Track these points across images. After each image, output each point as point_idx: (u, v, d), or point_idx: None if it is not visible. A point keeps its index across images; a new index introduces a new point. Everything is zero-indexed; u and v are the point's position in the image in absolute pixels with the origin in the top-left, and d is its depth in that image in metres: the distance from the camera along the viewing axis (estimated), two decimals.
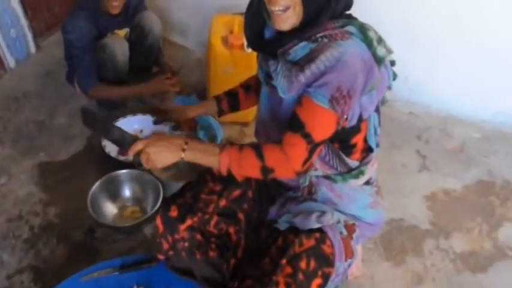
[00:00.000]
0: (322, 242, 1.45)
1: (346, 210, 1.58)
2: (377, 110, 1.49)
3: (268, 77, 1.45)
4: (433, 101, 2.87)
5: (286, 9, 1.30)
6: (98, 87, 2.60)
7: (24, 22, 3.15)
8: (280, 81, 1.37)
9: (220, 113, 1.82)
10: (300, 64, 1.32)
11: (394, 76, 1.49)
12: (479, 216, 2.36)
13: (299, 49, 1.34)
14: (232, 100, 1.81)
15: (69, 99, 2.88)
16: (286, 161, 1.35)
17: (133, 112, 2.68)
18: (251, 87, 1.80)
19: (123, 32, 2.68)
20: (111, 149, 2.47)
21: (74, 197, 2.30)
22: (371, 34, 1.32)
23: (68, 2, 3.43)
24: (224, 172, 1.41)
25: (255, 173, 1.40)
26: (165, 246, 1.65)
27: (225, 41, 2.59)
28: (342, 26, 1.32)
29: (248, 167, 1.39)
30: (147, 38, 2.69)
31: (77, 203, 2.22)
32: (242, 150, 1.38)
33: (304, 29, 1.33)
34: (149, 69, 2.91)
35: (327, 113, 1.29)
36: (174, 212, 1.59)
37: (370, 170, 1.58)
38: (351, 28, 1.31)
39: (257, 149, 1.37)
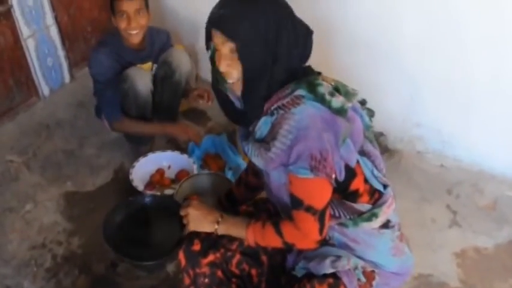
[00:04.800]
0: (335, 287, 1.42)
1: (365, 256, 1.52)
2: (363, 154, 1.45)
3: (245, 152, 1.49)
4: (465, 155, 2.82)
5: (238, 80, 1.36)
6: (122, 121, 2.59)
7: (61, 52, 3.21)
8: (255, 160, 1.41)
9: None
10: (266, 141, 1.36)
11: (371, 113, 1.50)
12: (511, 277, 2.28)
13: (262, 125, 1.38)
14: (229, 196, 1.89)
15: (99, 130, 2.89)
16: (304, 236, 1.41)
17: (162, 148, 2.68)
18: (240, 180, 1.87)
19: (147, 66, 2.68)
20: (138, 182, 2.46)
21: (98, 229, 2.26)
22: (321, 89, 1.33)
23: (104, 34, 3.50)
24: (252, 245, 1.51)
25: (279, 246, 1.48)
26: (187, 281, 1.63)
27: None
28: (292, 92, 1.33)
29: (271, 242, 1.48)
30: (175, 74, 2.67)
31: (101, 235, 2.20)
32: (264, 227, 1.47)
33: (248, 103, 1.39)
34: (176, 107, 2.90)
35: (315, 181, 1.32)
36: (197, 246, 1.59)
37: (386, 212, 1.51)
38: (299, 91, 1.32)
39: (276, 225, 1.45)
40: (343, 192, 1.44)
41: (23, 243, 2.26)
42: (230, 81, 1.38)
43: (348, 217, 1.47)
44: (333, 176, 1.34)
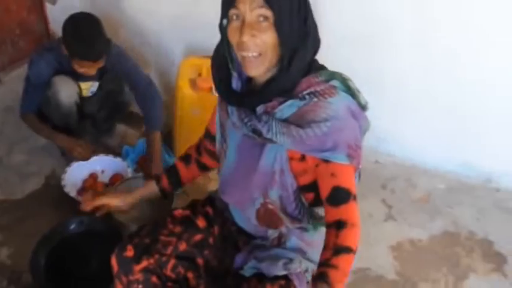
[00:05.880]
0: None
1: (315, 258, 1.50)
2: None
3: (254, 131, 1.36)
4: (399, 151, 2.89)
5: (259, 55, 1.26)
6: (29, 116, 2.52)
7: None
8: (280, 138, 1.31)
9: (163, 192, 1.74)
10: (293, 123, 1.29)
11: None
12: (445, 267, 2.34)
13: (285, 108, 1.30)
14: (172, 177, 1.74)
15: (28, 136, 2.78)
16: (358, 229, 1.29)
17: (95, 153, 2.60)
18: (190, 158, 1.75)
19: (86, 85, 2.60)
20: (70, 188, 2.39)
21: (29, 238, 2.15)
22: (352, 84, 1.32)
23: (33, 37, 3.39)
24: None
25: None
26: (119, 287, 1.58)
27: (193, 83, 2.56)
28: (327, 80, 1.30)
29: (350, 264, 1.27)
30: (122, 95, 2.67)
31: (31, 244, 2.09)
32: (338, 263, 1.23)
33: (280, 81, 1.29)
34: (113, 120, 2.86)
35: (351, 168, 1.28)
36: (129, 252, 1.53)
37: None
38: (334, 82, 1.30)
39: (345, 249, 1.24)
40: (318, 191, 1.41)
41: None
42: (248, 54, 1.26)
43: (310, 222, 1.46)
44: (359, 166, 1.34)
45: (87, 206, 1.75)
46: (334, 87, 1.29)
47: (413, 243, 2.45)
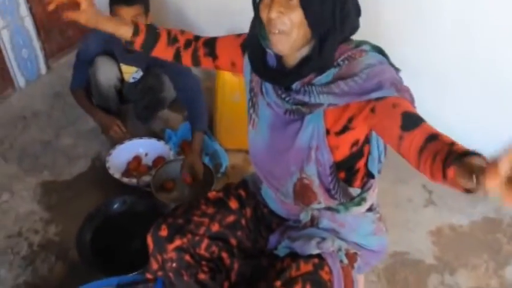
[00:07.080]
0: (320, 268, 1.42)
1: (348, 238, 1.54)
2: None
3: (298, 103, 1.33)
4: None
5: (284, 32, 1.24)
6: (79, 92, 2.67)
7: (36, 43, 3.19)
8: (324, 98, 1.27)
9: (136, 33, 1.58)
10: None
11: None
12: (486, 253, 2.31)
13: (323, 78, 1.29)
14: (148, 41, 1.60)
15: (76, 120, 2.90)
16: None
17: (139, 135, 2.69)
18: (174, 44, 1.62)
19: (130, 69, 2.67)
20: (115, 170, 2.47)
21: (75, 217, 2.24)
22: (383, 50, 1.32)
23: (80, 26, 3.47)
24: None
25: None
26: (155, 266, 1.65)
27: None
28: (356, 46, 1.29)
29: None
30: (161, 93, 2.73)
31: (78, 222, 2.17)
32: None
33: (314, 63, 1.28)
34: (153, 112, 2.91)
35: (407, 101, 1.21)
36: (163, 232, 1.58)
37: (372, 196, 1.54)
38: (365, 46, 1.29)
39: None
40: (349, 170, 1.43)
41: None
42: (275, 30, 1.23)
43: (341, 201, 1.48)
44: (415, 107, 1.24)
45: None
46: (364, 50, 1.28)
47: (453, 228, 2.43)
